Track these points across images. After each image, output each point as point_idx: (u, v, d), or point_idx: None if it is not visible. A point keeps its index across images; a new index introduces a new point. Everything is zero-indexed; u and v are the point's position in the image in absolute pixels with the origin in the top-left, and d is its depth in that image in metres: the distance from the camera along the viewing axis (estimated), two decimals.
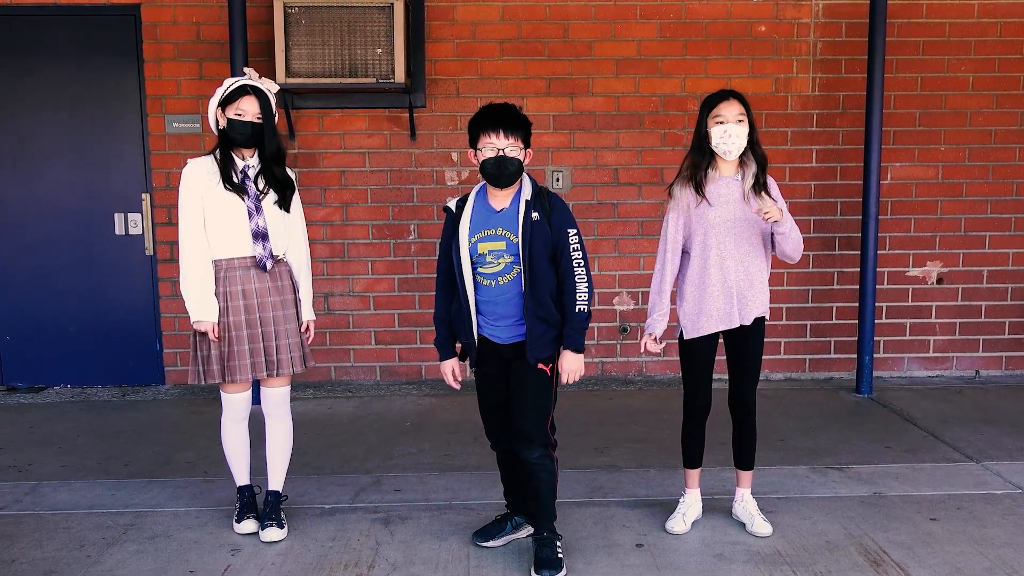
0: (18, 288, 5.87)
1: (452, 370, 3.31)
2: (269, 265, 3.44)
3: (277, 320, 3.47)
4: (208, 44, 5.69)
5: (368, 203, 5.90)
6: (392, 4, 5.32)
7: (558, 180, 5.89)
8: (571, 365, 3.19)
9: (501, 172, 3.10)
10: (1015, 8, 5.86)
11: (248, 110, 3.36)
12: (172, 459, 4.51)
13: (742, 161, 3.38)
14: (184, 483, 4.14)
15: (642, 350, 3.49)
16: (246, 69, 3.48)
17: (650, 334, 3.45)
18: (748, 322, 3.41)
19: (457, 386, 3.35)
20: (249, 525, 3.56)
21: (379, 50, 5.38)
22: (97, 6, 5.68)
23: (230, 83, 3.41)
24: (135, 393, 5.85)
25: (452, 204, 3.25)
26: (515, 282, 3.15)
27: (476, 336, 3.21)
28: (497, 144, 3.09)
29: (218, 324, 3.40)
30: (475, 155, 3.16)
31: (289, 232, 3.53)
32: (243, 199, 3.38)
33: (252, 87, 3.39)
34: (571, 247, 3.17)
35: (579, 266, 3.16)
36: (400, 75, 5.38)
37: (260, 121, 3.38)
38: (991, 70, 5.91)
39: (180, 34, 5.70)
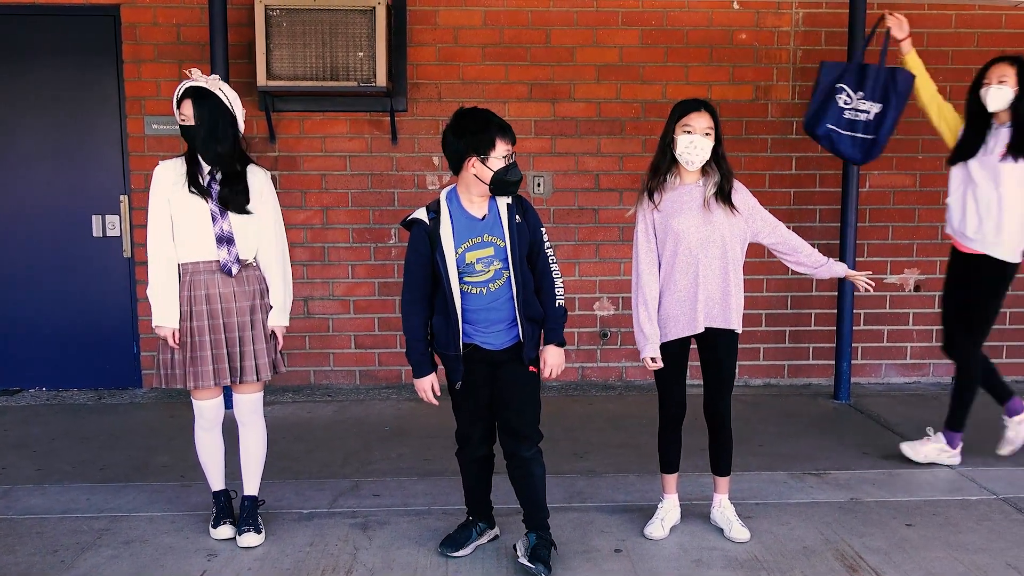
0: None
1: (432, 386, 3.24)
2: (235, 270, 3.39)
3: (243, 326, 3.42)
4: (188, 45, 5.66)
5: (349, 207, 5.88)
6: (374, 8, 5.32)
7: (539, 185, 5.90)
8: (555, 359, 3.23)
9: (519, 179, 3.13)
10: (991, 19, 5.92)
11: (188, 114, 3.31)
12: (148, 463, 4.47)
13: (704, 171, 3.40)
14: (160, 487, 4.11)
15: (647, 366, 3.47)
16: (188, 70, 3.42)
17: (652, 358, 3.41)
18: (713, 325, 3.41)
19: (437, 403, 3.28)
20: (226, 530, 3.53)
21: (361, 53, 5.37)
22: (76, 6, 5.64)
23: (181, 87, 3.36)
24: (111, 396, 5.80)
25: (423, 217, 3.14)
26: (506, 287, 3.14)
27: (462, 346, 3.17)
28: (508, 150, 3.10)
29: (180, 329, 3.37)
30: (477, 163, 3.07)
31: (259, 236, 3.47)
32: (207, 202, 3.34)
33: (193, 89, 3.32)
34: (545, 245, 3.24)
35: (553, 262, 3.24)
36: (382, 79, 5.38)
37: (198, 121, 3.30)
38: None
39: (160, 35, 5.67)
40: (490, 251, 3.13)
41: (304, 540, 3.53)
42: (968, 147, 4.28)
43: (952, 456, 4.42)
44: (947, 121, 4.42)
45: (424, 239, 3.12)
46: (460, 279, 3.12)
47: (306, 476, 4.28)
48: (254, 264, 3.48)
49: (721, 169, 3.39)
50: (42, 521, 3.72)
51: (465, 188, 3.15)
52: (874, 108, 4.41)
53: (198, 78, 3.37)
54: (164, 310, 3.35)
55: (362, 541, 3.52)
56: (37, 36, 5.65)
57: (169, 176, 3.35)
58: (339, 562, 3.34)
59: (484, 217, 3.16)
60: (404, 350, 3.28)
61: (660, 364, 3.42)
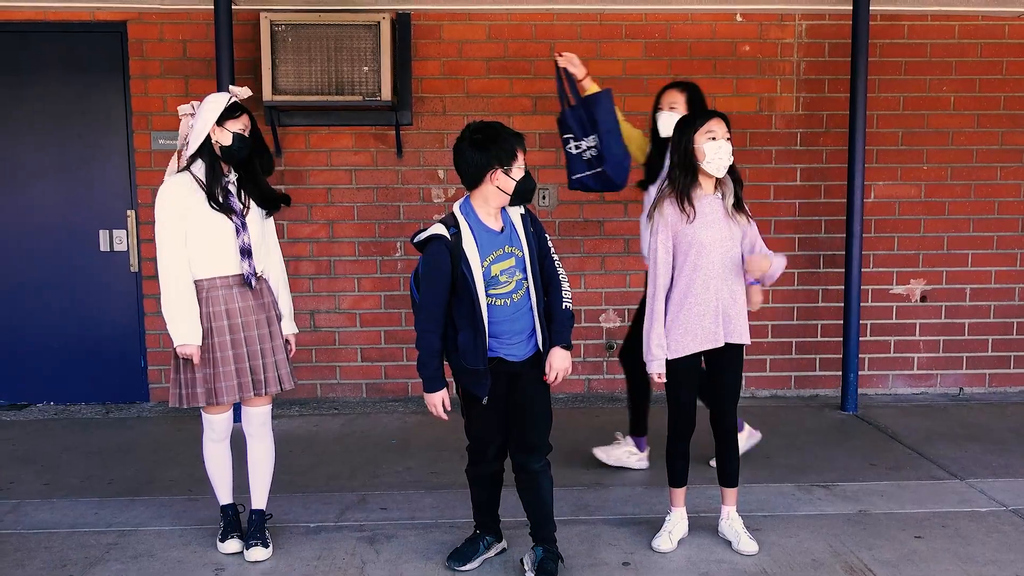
0: (1, 304, 5.82)
1: (443, 401, 3.21)
2: (255, 282, 3.42)
3: (263, 338, 3.45)
4: (194, 61, 5.70)
5: (354, 220, 5.90)
6: (379, 22, 5.35)
7: (544, 198, 5.91)
8: (562, 363, 3.20)
9: (536, 185, 3.18)
10: (995, 29, 5.94)
11: (249, 126, 3.38)
12: (156, 477, 4.48)
13: (719, 180, 3.42)
14: (168, 501, 4.11)
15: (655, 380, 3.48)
16: (233, 88, 3.45)
17: (658, 374, 3.44)
18: (733, 340, 3.43)
19: (447, 417, 3.24)
20: (233, 544, 3.53)
21: (366, 68, 5.40)
22: (84, 23, 5.68)
23: (224, 99, 3.35)
24: (119, 410, 5.81)
25: (443, 232, 3.09)
26: (526, 297, 3.17)
27: (487, 360, 3.14)
28: (523, 161, 3.12)
29: (202, 346, 3.36)
30: (500, 174, 3.07)
31: (267, 248, 3.53)
32: (230, 217, 3.36)
33: (240, 105, 3.39)
34: (551, 250, 3.27)
35: (560, 266, 3.27)
36: (387, 93, 5.40)
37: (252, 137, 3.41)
38: (972, 90, 5.98)
39: (166, 51, 5.71)
40: (511, 262, 3.14)
41: (311, 554, 3.53)
42: (652, 171, 4.33)
43: (640, 459, 4.54)
44: (635, 142, 4.45)
45: (445, 254, 3.08)
46: (486, 292, 3.12)
47: (313, 490, 4.28)
48: (264, 276, 3.52)
49: (734, 176, 3.43)
50: (50, 536, 3.72)
51: (483, 201, 3.13)
52: (592, 141, 4.34)
53: (243, 95, 3.40)
54: (187, 328, 3.32)
55: (369, 555, 3.52)
56: (44, 52, 5.69)
57: (182, 192, 3.33)
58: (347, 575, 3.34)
59: (502, 229, 3.17)
60: (410, 363, 3.29)
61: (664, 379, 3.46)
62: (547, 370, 3.21)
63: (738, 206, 3.43)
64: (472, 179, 3.12)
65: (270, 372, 3.46)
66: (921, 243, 6.07)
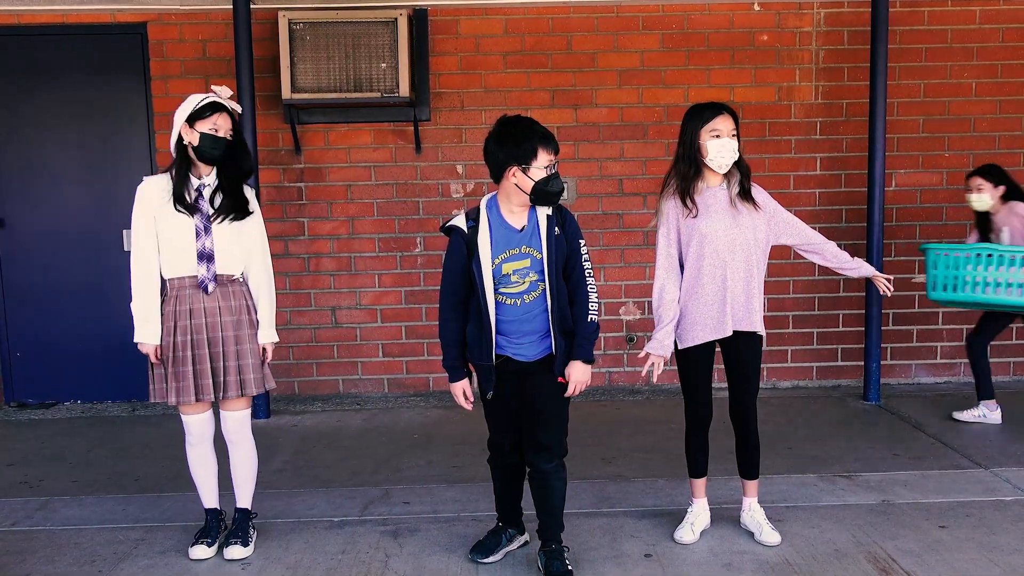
0: (28, 305, 5.90)
1: (464, 391, 3.24)
2: (211, 287, 3.36)
3: (227, 341, 3.39)
4: (214, 61, 5.74)
5: (374, 216, 5.93)
6: (396, 19, 5.37)
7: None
8: (581, 376, 3.17)
9: (561, 189, 3.10)
10: (1017, 14, 5.87)
11: (223, 126, 3.32)
12: (181, 473, 4.49)
13: (727, 171, 3.41)
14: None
15: (643, 373, 3.45)
16: (214, 87, 3.43)
17: (662, 356, 3.42)
18: (740, 328, 3.42)
19: (470, 407, 3.27)
20: (199, 551, 3.48)
21: (383, 64, 5.42)
22: (104, 24, 5.74)
23: (199, 99, 3.35)
24: (144, 408, 5.88)
25: (462, 224, 3.12)
26: (540, 299, 3.12)
27: (494, 356, 3.16)
28: (551, 160, 3.06)
29: (165, 344, 3.36)
30: (518, 172, 3.04)
31: (247, 252, 3.44)
32: (193, 217, 3.32)
33: (220, 104, 3.34)
34: (582, 257, 3.17)
35: (589, 276, 3.17)
36: (404, 89, 5.42)
37: (232, 139, 3.34)
38: (994, 76, 5.92)
39: (186, 51, 5.75)
40: (526, 263, 3.10)
41: (336, 548, 3.56)
42: None
43: None
44: None
45: (461, 246, 3.11)
46: (495, 289, 3.10)
47: (337, 484, 4.31)
48: (240, 280, 3.46)
49: (741, 168, 3.42)
50: (79, 532, 3.78)
51: (506, 197, 3.12)
52: None
53: (227, 98, 3.38)
54: (145, 326, 3.36)
55: (393, 548, 3.55)
56: (66, 55, 5.75)
57: (155, 192, 3.35)
58: (371, 569, 3.36)
59: (523, 228, 3.13)
60: (431, 358, 3.31)
61: (659, 369, 3.43)
62: (568, 382, 3.17)
63: (744, 195, 3.41)
64: (494, 173, 3.12)
65: (231, 376, 3.40)
66: (943, 231, 6.02)
